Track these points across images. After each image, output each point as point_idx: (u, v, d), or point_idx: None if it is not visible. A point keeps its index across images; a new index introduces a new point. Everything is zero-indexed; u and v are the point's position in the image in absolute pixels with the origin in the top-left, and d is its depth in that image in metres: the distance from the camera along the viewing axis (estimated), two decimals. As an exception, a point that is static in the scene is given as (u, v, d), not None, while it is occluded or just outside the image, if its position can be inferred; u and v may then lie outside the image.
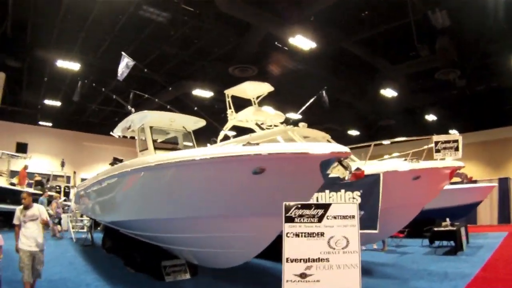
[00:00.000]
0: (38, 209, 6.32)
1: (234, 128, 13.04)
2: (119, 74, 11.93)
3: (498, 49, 15.47)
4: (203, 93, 19.79)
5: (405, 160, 8.49)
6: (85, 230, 13.44)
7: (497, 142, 25.21)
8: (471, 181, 11.99)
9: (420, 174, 8.08)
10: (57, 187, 20.88)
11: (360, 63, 17.50)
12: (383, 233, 8.66)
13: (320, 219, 4.53)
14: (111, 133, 11.09)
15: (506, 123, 23.91)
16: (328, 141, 10.87)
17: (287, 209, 4.59)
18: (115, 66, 12.06)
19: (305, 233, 4.50)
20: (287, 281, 4.40)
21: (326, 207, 4.61)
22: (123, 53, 12.05)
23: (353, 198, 7.89)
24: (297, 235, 4.49)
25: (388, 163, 8.77)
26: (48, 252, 10.94)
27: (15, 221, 6.19)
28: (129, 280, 7.87)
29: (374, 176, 7.78)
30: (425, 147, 8.65)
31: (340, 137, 25.97)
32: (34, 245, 6.06)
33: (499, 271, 8.98)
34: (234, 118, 12.09)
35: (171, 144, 10.29)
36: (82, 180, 19.14)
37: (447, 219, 12.22)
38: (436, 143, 8.65)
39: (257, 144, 5.03)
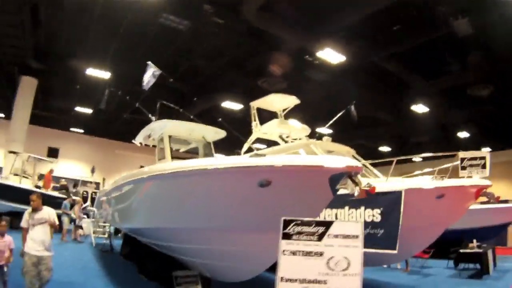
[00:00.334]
0: (48, 212, 6.06)
1: (264, 141, 12.99)
2: (144, 83, 12.03)
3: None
4: (233, 105, 19.85)
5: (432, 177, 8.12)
6: (106, 236, 13.58)
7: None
8: (499, 201, 11.38)
9: (444, 193, 7.68)
10: (84, 193, 21.35)
11: (392, 78, 17.20)
12: (403, 254, 8.27)
13: (320, 238, 4.24)
14: (133, 141, 11.20)
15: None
16: (353, 156, 10.62)
17: (285, 225, 4.33)
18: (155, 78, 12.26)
19: (302, 251, 4.22)
20: (280, 302, 4.13)
21: (327, 224, 4.32)
22: (149, 62, 12.17)
23: (373, 216, 7.61)
24: (294, 253, 4.22)
25: (411, 180, 8.39)
26: (64, 255, 11.29)
27: (23, 224, 5.91)
28: None
29: (395, 193, 7.51)
30: (450, 164, 8.21)
31: (370, 154, 25.74)
32: (41, 249, 5.78)
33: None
34: (259, 130, 12.00)
35: (191, 154, 10.28)
36: (110, 187, 19.43)
37: (474, 241, 11.62)
38: (462, 159, 8.21)
39: (264, 155, 4.89)
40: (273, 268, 5.95)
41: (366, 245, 7.46)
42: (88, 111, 24.28)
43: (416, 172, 10.24)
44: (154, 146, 10.62)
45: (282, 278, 4.15)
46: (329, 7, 12.81)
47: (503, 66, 15.15)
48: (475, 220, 13.68)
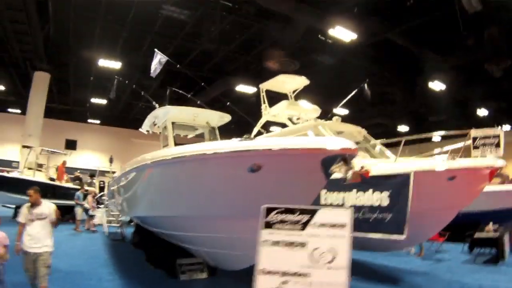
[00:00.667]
0: (48, 207, 5.63)
1: (278, 124, 12.75)
2: (152, 71, 11.96)
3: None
4: (246, 88, 19.63)
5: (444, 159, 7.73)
6: (118, 225, 13.68)
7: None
8: None
9: (456, 174, 7.22)
10: (101, 183, 21.60)
11: (407, 55, 16.77)
12: (412, 239, 7.88)
13: (303, 227, 3.87)
14: (140, 129, 11.15)
15: None
16: (365, 136, 10.32)
17: (267, 212, 3.97)
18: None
19: (284, 242, 3.86)
20: (259, 295, 3.82)
21: (312, 212, 3.92)
22: (156, 50, 12.09)
23: (381, 199, 7.31)
24: (275, 243, 3.87)
25: (421, 161, 7.99)
26: (75, 245, 11.44)
27: (21, 219, 5.54)
28: (144, 276, 7.75)
29: (403, 176, 7.10)
30: (462, 144, 7.73)
31: (389, 133, 25.20)
32: (37, 246, 5.39)
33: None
34: (268, 113, 11.76)
35: (199, 139, 10.17)
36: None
37: (490, 224, 11.16)
38: (474, 139, 7.70)
39: (252, 139, 4.68)
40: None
41: (373, 230, 7.34)
42: (103, 102, 24.49)
43: (429, 153, 9.84)
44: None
45: (261, 271, 3.82)
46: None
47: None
48: (493, 202, 13.18)
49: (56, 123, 28.29)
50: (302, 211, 3.92)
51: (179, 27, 16.22)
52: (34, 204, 5.59)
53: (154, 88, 20.78)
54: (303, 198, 4.63)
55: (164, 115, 9.09)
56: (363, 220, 7.36)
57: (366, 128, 10.58)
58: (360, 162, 4.51)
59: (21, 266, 5.50)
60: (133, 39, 17.21)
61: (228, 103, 12.41)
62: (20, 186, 13.65)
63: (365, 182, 7.40)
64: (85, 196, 14.99)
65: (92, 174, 20.81)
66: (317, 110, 11.47)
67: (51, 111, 26.94)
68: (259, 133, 12.17)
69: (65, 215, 15.81)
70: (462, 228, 12.06)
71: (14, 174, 16.14)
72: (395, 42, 15.79)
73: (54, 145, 21.69)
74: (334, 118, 9.87)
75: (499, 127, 8.22)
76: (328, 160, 4.22)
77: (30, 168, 16.38)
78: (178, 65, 12.31)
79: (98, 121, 29.76)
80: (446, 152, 8.16)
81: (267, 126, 13.32)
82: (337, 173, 4.27)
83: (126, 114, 29.16)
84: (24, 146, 17.45)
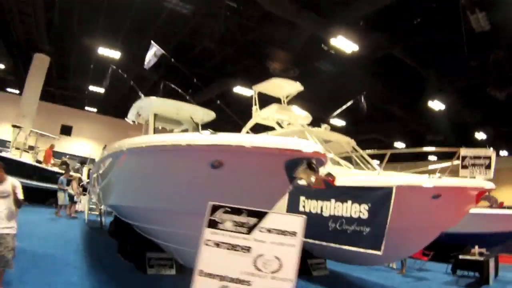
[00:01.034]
0: (12, 184, 5.23)
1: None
2: (146, 62, 11.82)
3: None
4: (245, 91, 19.46)
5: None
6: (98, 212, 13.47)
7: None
8: (501, 206, 10.58)
9: (441, 193, 6.91)
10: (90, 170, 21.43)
11: (409, 72, 16.59)
12: (391, 256, 7.66)
13: (250, 230, 3.61)
14: (125, 119, 10.96)
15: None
16: (353, 147, 10.10)
17: (213, 210, 3.74)
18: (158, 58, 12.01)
19: (227, 244, 3.60)
20: (196, 299, 3.53)
21: (260, 215, 3.65)
22: (152, 41, 11.94)
23: (360, 211, 7.04)
24: (217, 244, 3.62)
25: (405, 176, 7.76)
26: (51, 228, 11.36)
27: None
28: (112, 266, 7.57)
29: (385, 189, 6.83)
30: (449, 164, 7.46)
31: (385, 149, 24.92)
32: (1, 226, 4.95)
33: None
34: (258, 115, 11.55)
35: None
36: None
37: (476, 247, 10.86)
38: (464, 158, 7.53)
39: (215, 133, 4.44)
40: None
41: (350, 243, 7.07)
42: (101, 90, 24.32)
43: (418, 169, 9.57)
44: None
45: (200, 272, 3.56)
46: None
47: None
48: (482, 225, 12.96)
49: (54, 108, 28.19)
50: (251, 213, 3.66)
51: (182, 23, 16.12)
52: None
53: (154, 81, 20.63)
54: (266, 201, 4.39)
55: (148, 106, 8.93)
56: (340, 231, 7.11)
57: (362, 142, 10.42)
58: (328, 169, 4.27)
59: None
60: (136, 31, 17.09)
61: (218, 101, 12.19)
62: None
63: (345, 192, 7.19)
64: (69, 182, 14.77)
65: (83, 161, 20.64)
66: (308, 117, 11.26)
67: (50, 95, 26.91)
68: None
69: (50, 198, 15.69)
70: (448, 249, 11.82)
71: (1, 153, 15.93)
72: (398, 59, 15.59)
73: (49, 129, 21.53)
74: (323, 126, 9.66)
75: (491, 148, 7.88)
76: (293, 162, 3.98)
77: (17, 148, 16.21)
78: (172, 59, 12.08)
79: (95, 109, 29.58)
80: (434, 170, 7.96)
81: (260, 130, 13.13)
82: (301, 177, 4.02)
83: (123, 105, 28.93)
84: (13, 126, 17.26)
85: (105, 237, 10.93)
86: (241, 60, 18.46)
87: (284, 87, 11.52)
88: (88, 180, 17.72)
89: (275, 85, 11.36)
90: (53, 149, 17.93)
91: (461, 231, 12.99)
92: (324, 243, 7.30)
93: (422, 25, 13.83)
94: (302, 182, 4.10)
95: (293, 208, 7.82)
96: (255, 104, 11.79)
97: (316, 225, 7.39)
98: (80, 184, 15.79)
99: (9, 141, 17.83)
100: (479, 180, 7.45)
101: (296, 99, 12.51)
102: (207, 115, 9.30)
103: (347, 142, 9.95)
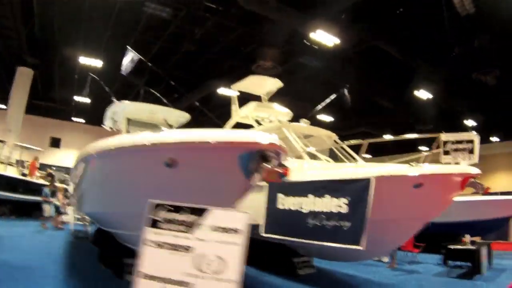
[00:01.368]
0: None
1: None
2: (123, 69, 11.68)
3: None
4: (230, 92, 19.27)
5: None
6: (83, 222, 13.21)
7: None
8: (487, 193, 10.30)
9: (422, 181, 6.61)
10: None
11: (395, 63, 16.45)
12: (373, 251, 7.31)
13: (191, 229, 3.39)
14: (102, 125, 10.73)
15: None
16: (335, 141, 9.87)
17: (152, 209, 3.54)
18: (139, 65, 11.81)
19: (169, 244, 3.39)
20: (137, 304, 3.31)
21: (202, 212, 3.44)
22: (128, 47, 11.81)
23: (339, 206, 6.76)
24: (159, 245, 3.41)
25: (384, 166, 7.40)
26: (35, 240, 11.19)
27: None
28: (92, 274, 7.35)
29: (363, 181, 6.54)
30: (426, 152, 7.11)
31: (375, 142, 24.74)
32: None
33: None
34: (237, 114, 11.34)
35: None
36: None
37: (467, 236, 10.62)
38: (445, 143, 7.17)
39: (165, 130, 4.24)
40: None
41: (330, 239, 6.81)
42: (87, 100, 24.08)
43: (402, 159, 9.29)
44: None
45: (141, 274, 3.36)
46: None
47: (509, 50, 14.11)
48: (473, 213, 12.77)
49: (41, 121, 27.98)
50: (192, 210, 3.45)
51: (162, 27, 15.96)
52: None
53: (136, 89, 20.46)
54: (227, 199, 4.16)
55: (121, 111, 8.74)
56: (321, 227, 6.85)
57: (351, 136, 10.19)
58: (285, 160, 4.05)
59: None
60: (117, 38, 16.92)
61: (196, 102, 12.01)
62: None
63: (323, 187, 6.94)
64: (53, 193, 14.51)
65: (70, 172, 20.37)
66: (289, 114, 11.06)
67: (37, 108, 26.67)
68: None
69: (36, 211, 15.47)
70: (440, 239, 11.59)
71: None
72: (384, 51, 15.43)
73: (38, 143, 21.40)
74: (302, 121, 9.43)
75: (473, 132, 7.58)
76: (246, 156, 3.75)
77: (1, 163, 16.01)
78: (149, 64, 11.89)
79: (83, 120, 29.30)
80: (418, 160, 7.68)
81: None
82: (256, 170, 3.79)
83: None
84: (-4, 141, 17.09)
85: (88, 246, 10.69)
86: (224, 61, 18.27)
87: (263, 84, 11.31)
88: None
89: (254, 83, 11.16)
90: (37, 161, 17.74)
91: (453, 220, 12.81)
92: (305, 241, 7.05)
93: (405, 15, 13.64)
94: (258, 176, 3.88)
95: (271, 206, 7.60)
96: (234, 104, 11.59)
97: (296, 223, 7.16)
98: (66, 195, 15.52)
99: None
100: (464, 165, 7.16)
101: (282, 97, 12.37)
102: (181, 117, 9.09)
103: (328, 136, 9.71)
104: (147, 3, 13.84)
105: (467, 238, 10.55)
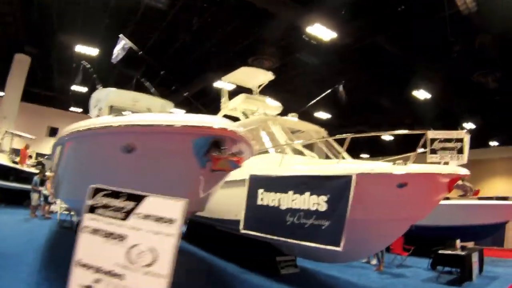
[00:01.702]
0: None
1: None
2: (113, 56, 11.51)
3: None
4: (226, 85, 19.05)
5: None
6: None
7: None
8: (477, 195, 9.97)
9: (407, 181, 6.22)
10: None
11: (395, 61, 16.10)
12: (353, 254, 7.00)
13: (126, 216, 3.11)
14: (88, 114, 10.53)
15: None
16: (324, 137, 9.57)
17: (91, 193, 3.29)
18: (136, 56, 11.93)
19: (103, 231, 3.13)
20: (72, 292, 3.09)
21: (138, 199, 3.16)
22: (121, 35, 11.64)
23: (318, 204, 6.47)
24: (95, 231, 3.16)
25: (367, 163, 7.05)
26: (20, 228, 11.07)
27: None
28: (68, 263, 7.16)
29: (344, 178, 6.24)
30: (413, 153, 6.70)
31: (371, 141, 24.38)
32: None
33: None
34: (226, 107, 11.11)
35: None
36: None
37: (458, 241, 10.28)
38: (432, 141, 6.74)
39: (123, 114, 4.02)
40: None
41: (308, 238, 6.53)
42: (84, 90, 23.92)
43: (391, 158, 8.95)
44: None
45: (78, 262, 3.14)
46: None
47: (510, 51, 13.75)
48: (467, 217, 12.45)
49: (39, 109, 27.83)
50: (130, 197, 3.17)
51: (159, 18, 15.74)
52: None
53: (136, 78, 20.26)
54: (180, 188, 3.90)
55: (105, 98, 8.53)
56: (298, 225, 6.57)
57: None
58: (242, 149, 3.82)
59: None
60: (114, 28, 16.71)
61: (185, 93, 11.78)
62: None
63: (303, 182, 6.67)
64: (42, 182, 14.36)
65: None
66: (279, 107, 10.79)
67: (35, 96, 26.52)
68: None
69: (27, 199, 15.37)
70: (432, 243, 11.27)
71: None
72: (383, 48, 15.11)
73: (35, 131, 21.30)
74: (290, 115, 9.17)
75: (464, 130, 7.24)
76: (201, 142, 3.51)
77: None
78: (140, 52, 11.66)
79: (80, 110, 29.10)
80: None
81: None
82: (209, 157, 3.54)
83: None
84: (-12, 128, 16.96)
85: (72, 236, 10.50)
86: (221, 54, 18.01)
87: (255, 76, 11.07)
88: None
89: (245, 75, 10.91)
90: (28, 149, 17.61)
91: (447, 224, 12.52)
92: (282, 239, 6.80)
93: (406, 13, 13.30)
94: (209, 163, 3.64)
95: (251, 201, 7.36)
96: (224, 96, 11.36)
97: (274, 220, 6.91)
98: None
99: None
100: (452, 166, 6.81)
101: (278, 92, 12.10)
102: (165, 106, 8.85)
103: (317, 131, 9.43)
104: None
105: (457, 243, 10.21)
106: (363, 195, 6.26)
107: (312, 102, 12.80)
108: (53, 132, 27.60)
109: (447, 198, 13.68)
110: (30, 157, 18.75)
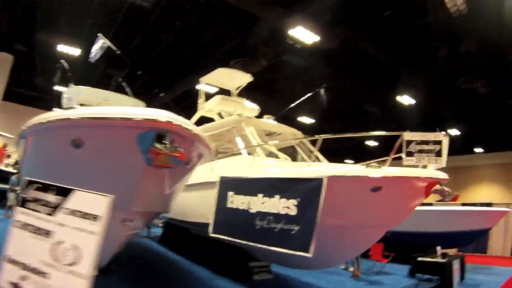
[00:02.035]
0: None
1: None
2: (92, 55, 11.30)
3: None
4: (210, 88, 18.82)
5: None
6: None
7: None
8: (456, 200, 9.70)
9: (381, 185, 5.99)
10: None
11: (381, 67, 15.99)
12: (323, 260, 6.73)
13: (54, 211, 2.94)
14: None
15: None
16: (297, 138, 9.35)
17: (25, 186, 3.15)
18: (120, 55, 11.87)
19: (32, 226, 2.98)
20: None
21: (67, 193, 2.97)
22: (99, 34, 11.43)
23: (288, 207, 6.19)
24: (24, 226, 3.01)
25: (340, 166, 6.77)
26: None
27: None
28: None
29: (315, 181, 5.95)
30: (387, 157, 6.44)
31: (357, 147, 24.20)
32: None
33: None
34: (203, 108, 10.87)
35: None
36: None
37: (438, 247, 10.04)
38: (408, 143, 6.46)
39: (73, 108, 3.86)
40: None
41: (278, 244, 6.23)
42: (65, 89, 23.52)
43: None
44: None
45: (7, 258, 2.97)
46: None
47: (496, 58, 13.65)
48: (450, 223, 12.27)
49: (23, 109, 27.24)
50: (59, 191, 3.02)
51: (144, 18, 15.47)
52: None
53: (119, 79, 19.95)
54: (125, 184, 3.71)
55: (75, 96, 8.31)
56: (268, 230, 6.30)
57: (334, 141, 9.66)
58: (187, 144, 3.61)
59: None
60: (98, 28, 16.41)
61: (161, 94, 11.54)
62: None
63: (272, 185, 6.40)
64: (19, 181, 14.02)
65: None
66: (256, 110, 10.58)
67: (18, 96, 26.05)
68: None
69: (4, 199, 15.05)
70: (414, 250, 11.06)
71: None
72: (369, 54, 14.95)
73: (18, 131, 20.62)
74: (265, 117, 8.96)
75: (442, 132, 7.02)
76: (145, 136, 3.26)
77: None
78: (118, 51, 11.39)
79: (63, 110, 28.72)
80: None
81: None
82: (152, 152, 3.29)
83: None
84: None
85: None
86: (205, 56, 17.79)
87: (232, 78, 10.90)
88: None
89: (222, 76, 10.73)
90: (5, 148, 17.24)
91: (429, 230, 12.34)
92: (252, 244, 6.52)
93: (391, 18, 13.18)
94: (152, 158, 3.40)
95: (221, 204, 7.10)
96: (201, 97, 11.16)
97: (244, 224, 6.64)
98: None
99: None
100: (430, 169, 6.56)
101: (261, 95, 11.90)
102: (137, 105, 8.62)
103: (294, 134, 9.20)
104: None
105: (438, 249, 9.97)
106: (334, 199, 6.03)
107: (292, 105, 12.57)
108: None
109: (430, 204, 13.54)
110: (9, 156, 18.31)
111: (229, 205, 6.92)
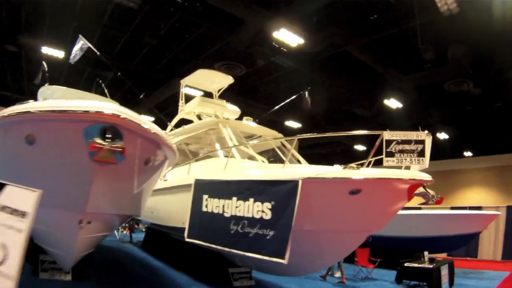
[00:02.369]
0: None
1: None
2: (71, 57, 11.17)
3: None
4: (194, 92, 18.60)
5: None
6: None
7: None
8: (440, 203, 9.44)
9: (360, 187, 5.72)
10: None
11: (368, 70, 15.85)
12: (300, 267, 6.47)
13: None
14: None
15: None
16: (281, 142, 9.12)
17: None
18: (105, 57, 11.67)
19: None
20: None
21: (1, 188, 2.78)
22: (79, 35, 11.25)
23: (263, 211, 5.94)
24: None
25: (316, 167, 6.37)
26: None
27: None
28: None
29: (290, 183, 5.68)
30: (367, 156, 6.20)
31: (346, 152, 23.98)
32: None
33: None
34: (183, 110, 10.68)
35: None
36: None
37: (426, 252, 9.81)
38: (389, 143, 6.21)
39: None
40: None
41: (253, 250, 5.96)
42: (53, 93, 23.24)
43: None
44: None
45: None
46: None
47: (484, 61, 13.56)
48: (439, 227, 12.08)
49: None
50: None
51: (128, 20, 15.25)
52: None
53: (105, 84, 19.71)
54: (74, 181, 3.50)
55: (50, 96, 8.13)
56: (242, 234, 6.04)
57: (322, 145, 9.48)
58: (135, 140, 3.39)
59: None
60: (83, 30, 16.19)
61: (141, 95, 11.30)
62: None
63: (247, 188, 6.14)
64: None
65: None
66: (236, 112, 10.40)
67: (7, 100, 25.68)
68: None
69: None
70: (401, 255, 10.83)
71: None
72: (356, 57, 14.80)
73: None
74: (244, 118, 8.76)
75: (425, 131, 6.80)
76: (92, 129, 3.04)
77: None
78: (98, 53, 11.17)
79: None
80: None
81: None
82: (95, 147, 3.06)
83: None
84: None
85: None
86: (190, 59, 17.58)
87: (213, 79, 10.75)
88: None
89: (203, 78, 10.58)
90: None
91: (417, 235, 12.14)
92: (226, 249, 6.26)
93: (378, 22, 13.08)
94: (94, 154, 3.17)
95: (196, 208, 6.84)
96: (181, 99, 10.98)
97: (219, 228, 6.39)
98: None
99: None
100: (413, 171, 6.30)
101: (245, 98, 11.70)
102: None
103: (274, 136, 8.97)
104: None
105: (426, 254, 9.74)
106: (310, 202, 5.77)
107: (275, 108, 12.39)
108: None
109: (419, 208, 13.36)
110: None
111: (204, 208, 6.66)
